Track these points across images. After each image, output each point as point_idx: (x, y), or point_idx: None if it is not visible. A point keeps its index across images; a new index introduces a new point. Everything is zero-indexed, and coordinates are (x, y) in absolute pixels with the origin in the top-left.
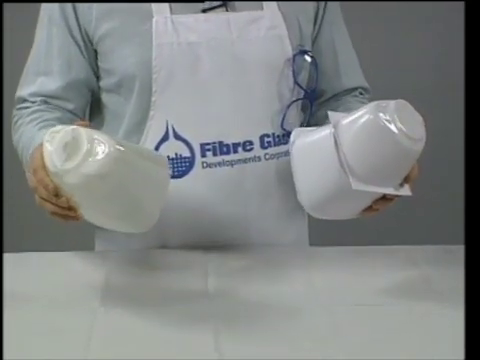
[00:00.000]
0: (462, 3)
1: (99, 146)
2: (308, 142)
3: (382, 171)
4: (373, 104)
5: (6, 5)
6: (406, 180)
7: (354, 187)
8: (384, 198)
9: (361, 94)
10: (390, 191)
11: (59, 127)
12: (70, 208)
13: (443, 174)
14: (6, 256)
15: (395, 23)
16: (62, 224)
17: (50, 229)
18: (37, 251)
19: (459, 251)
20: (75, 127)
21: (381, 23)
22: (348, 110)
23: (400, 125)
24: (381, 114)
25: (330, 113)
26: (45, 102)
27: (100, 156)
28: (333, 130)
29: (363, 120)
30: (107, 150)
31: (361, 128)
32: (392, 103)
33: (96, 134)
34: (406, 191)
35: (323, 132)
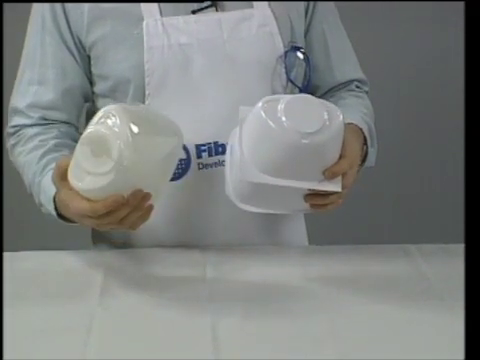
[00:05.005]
0: (462, 3)
1: (110, 119)
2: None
3: (278, 165)
4: (266, 98)
5: (6, 5)
6: (332, 175)
7: (241, 179)
8: (317, 194)
9: (357, 87)
10: (304, 185)
11: (71, 159)
12: (143, 198)
13: (443, 174)
14: (4, 255)
15: (395, 23)
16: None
17: (49, 229)
18: (36, 250)
19: (459, 250)
20: (80, 139)
21: (381, 23)
22: (343, 106)
23: (284, 120)
24: (268, 108)
25: (240, 108)
26: (42, 118)
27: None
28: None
29: (252, 115)
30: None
31: (251, 123)
32: (286, 98)
33: (98, 120)
34: (330, 186)
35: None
